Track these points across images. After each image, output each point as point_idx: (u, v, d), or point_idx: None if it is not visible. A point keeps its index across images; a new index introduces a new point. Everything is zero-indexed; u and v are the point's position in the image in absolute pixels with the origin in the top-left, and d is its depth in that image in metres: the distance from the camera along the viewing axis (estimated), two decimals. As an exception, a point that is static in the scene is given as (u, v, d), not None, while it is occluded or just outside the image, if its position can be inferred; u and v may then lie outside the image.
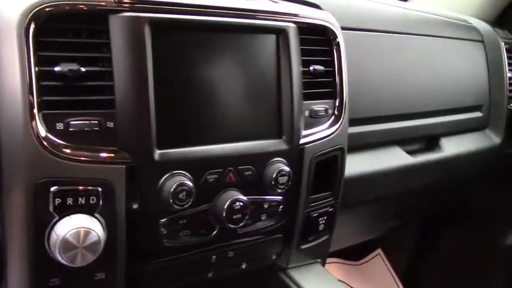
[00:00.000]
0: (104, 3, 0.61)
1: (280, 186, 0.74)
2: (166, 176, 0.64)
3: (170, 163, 0.64)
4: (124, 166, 0.62)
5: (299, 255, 0.86)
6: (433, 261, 1.65)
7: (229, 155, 0.69)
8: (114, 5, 0.61)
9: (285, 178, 0.74)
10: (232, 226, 0.70)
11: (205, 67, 0.68)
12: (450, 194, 1.41)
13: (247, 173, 0.71)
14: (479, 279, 1.53)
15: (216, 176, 0.68)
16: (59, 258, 0.58)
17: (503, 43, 1.32)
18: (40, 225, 0.58)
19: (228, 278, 0.78)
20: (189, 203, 0.65)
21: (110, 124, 0.61)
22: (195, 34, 0.67)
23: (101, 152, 0.60)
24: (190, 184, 0.65)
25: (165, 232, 0.66)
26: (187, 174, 0.66)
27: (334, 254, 1.71)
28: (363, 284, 1.75)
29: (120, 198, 0.62)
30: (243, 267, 0.78)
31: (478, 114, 1.29)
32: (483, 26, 1.33)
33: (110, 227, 0.62)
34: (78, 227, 0.58)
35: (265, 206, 0.75)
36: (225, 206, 0.68)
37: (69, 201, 0.59)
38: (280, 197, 0.76)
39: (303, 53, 0.78)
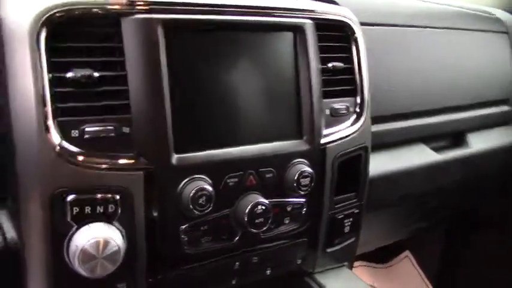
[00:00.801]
0: (115, 6, 0.59)
1: (302, 188, 0.71)
2: (185, 181, 0.62)
3: (188, 167, 0.62)
4: (142, 172, 0.60)
5: (325, 259, 0.83)
6: (464, 265, 1.60)
7: (249, 158, 0.67)
8: (125, 7, 0.60)
9: (308, 180, 0.71)
10: (255, 231, 0.67)
11: (221, 67, 0.66)
12: (479, 193, 1.36)
13: (268, 175, 0.69)
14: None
15: (236, 179, 0.66)
16: (79, 269, 0.56)
17: (529, 34, 1.28)
18: (58, 236, 0.57)
19: (252, 285, 0.75)
20: (210, 208, 0.63)
21: (126, 129, 0.59)
22: (209, 34, 0.65)
23: (118, 159, 0.59)
24: (210, 188, 0.63)
25: (186, 239, 0.64)
26: (207, 178, 0.64)
27: (360, 257, 1.67)
28: (392, 287, 1.71)
29: (138, 205, 0.60)
30: (268, 273, 0.75)
31: (504, 108, 1.25)
32: (507, 17, 1.28)
33: (129, 235, 0.60)
34: (97, 237, 0.56)
35: (288, 209, 0.72)
36: (247, 210, 0.66)
37: (87, 210, 0.57)
38: (303, 199, 0.73)
39: (321, 49, 0.76)
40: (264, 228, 0.68)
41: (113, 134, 0.58)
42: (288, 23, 0.72)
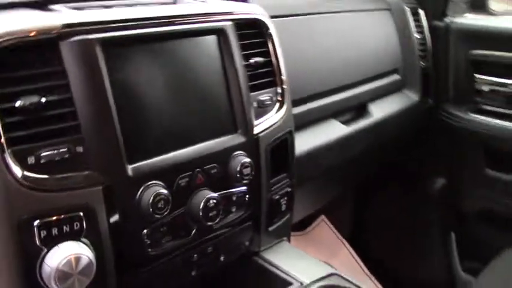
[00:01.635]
0: (51, 31, 0.61)
1: (245, 178, 0.78)
2: (142, 188, 0.66)
3: (144, 175, 0.66)
4: (100, 187, 0.63)
5: (268, 237, 0.91)
6: (374, 219, 1.78)
7: (195, 157, 0.72)
8: (61, 31, 0.61)
9: (248, 169, 0.78)
10: (210, 223, 0.73)
11: (158, 76, 0.70)
12: (383, 155, 1.52)
13: (213, 171, 0.75)
14: (416, 227, 1.67)
15: (187, 179, 0.71)
16: None
17: (408, 8, 1.43)
18: (30, 260, 0.58)
19: (209, 273, 0.81)
20: (168, 210, 0.68)
21: (79, 149, 0.62)
22: (144, 46, 0.69)
23: (76, 178, 0.61)
24: (166, 192, 0.67)
25: (148, 242, 0.69)
26: (161, 182, 0.68)
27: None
28: (315, 250, 1.84)
29: (102, 218, 0.63)
30: (222, 260, 0.82)
31: (396, 77, 1.40)
32: (387, -6, 1.43)
33: (97, 247, 0.63)
34: (68, 255, 0.59)
35: (234, 198, 0.79)
36: (201, 206, 0.71)
37: (54, 231, 0.60)
38: (245, 188, 0.80)
39: (243, 47, 0.82)
40: (217, 220, 0.74)
41: (67, 155, 0.61)
42: (211, 27, 0.77)
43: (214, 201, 0.72)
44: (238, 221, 0.82)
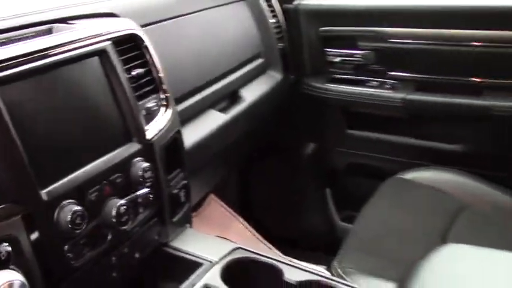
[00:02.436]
0: None
1: (147, 180, 0.87)
2: (58, 209, 0.72)
3: (57, 197, 0.72)
4: (19, 216, 0.68)
5: (173, 228, 1.01)
6: (258, 189, 1.95)
7: (100, 171, 0.79)
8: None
9: (149, 172, 0.87)
10: (124, 227, 0.81)
11: (52, 103, 0.75)
12: (260, 132, 1.67)
13: (118, 180, 0.82)
14: (296, 189, 1.87)
15: (96, 192, 0.78)
16: None
17: (260, -4, 1.57)
18: None
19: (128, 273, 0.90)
20: (85, 224, 0.75)
21: None
22: (32, 79, 0.73)
23: (-5, 212, 0.66)
24: (80, 208, 0.74)
25: (71, 255, 0.75)
26: (73, 200, 0.74)
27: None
28: (209, 228, 1.96)
29: (25, 244, 0.69)
30: (137, 257, 0.90)
31: (259, 61, 1.53)
32: (240, -14, 1.55)
33: (25, 271, 0.68)
34: (1, 284, 0.64)
35: (140, 200, 0.87)
36: (113, 214, 0.79)
37: (-16, 264, 0.64)
38: (148, 189, 0.89)
39: (124, 62, 0.89)
40: (130, 223, 0.82)
41: (-18, 195, 0.65)
42: (92, 50, 0.83)
43: (125, 207, 0.80)
44: (146, 219, 0.91)
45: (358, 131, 1.71)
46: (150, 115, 0.94)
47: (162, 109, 0.97)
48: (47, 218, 0.71)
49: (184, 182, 1.02)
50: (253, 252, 0.97)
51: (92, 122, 0.81)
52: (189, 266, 0.94)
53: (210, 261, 0.94)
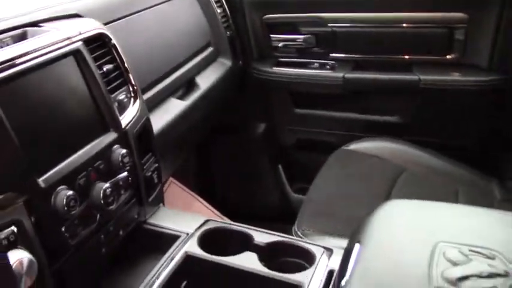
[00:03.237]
0: None
1: (126, 165, 0.97)
2: (54, 194, 0.82)
3: (53, 184, 0.81)
4: (21, 203, 0.77)
5: (150, 207, 1.11)
6: (216, 169, 2.07)
7: (85, 159, 0.89)
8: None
9: (127, 158, 0.97)
10: (110, 207, 0.91)
11: (40, 100, 0.84)
12: (215, 116, 1.78)
13: (101, 166, 0.92)
14: (250, 167, 2.01)
15: (84, 178, 0.88)
16: None
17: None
18: None
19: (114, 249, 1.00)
20: (78, 206, 0.84)
21: None
22: (18, 81, 0.81)
23: (1, 201, 0.74)
24: (72, 192, 0.83)
25: (67, 235, 0.85)
26: (65, 186, 0.84)
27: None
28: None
29: (29, 227, 0.78)
30: (121, 234, 1.01)
31: (210, 49, 1.64)
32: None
33: (31, 250, 0.78)
34: (13, 262, 0.73)
35: (121, 183, 0.97)
36: (101, 196, 0.89)
37: (-3, 246, 0.73)
38: (127, 173, 0.99)
39: (95, 59, 0.98)
40: (115, 204, 0.92)
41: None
42: (67, 51, 0.91)
43: (110, 189, 0.90)
44: (127, 200, 1.01)
45: (304, 109, 1.86)
46: (122, 106, 1.04)
47: (132, 100, 1.07)
48: (45, 203, 0.80)
49: (156, 165, 1.13)
50: (223, 222, 1.09)
51: (74, 115, 0.90)
52: (168, 239, 1.06)
53: (187, 233, 1.06)
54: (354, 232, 0.90)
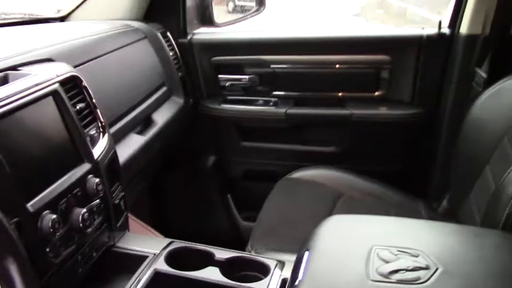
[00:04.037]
0: None
1: (100, 193, 1.08)
2: (40, 218, 0.92)
3: (39, 208, 0.91)
4: (13, 225, 0.87)
5: (118, 231, 1.22)
6: (169, 201, 2.17)
7: (65, 187, 0.99)
8: None
9: (100, 186, 1.08)
10: (87, 230, 1.02)
11: (26, 135, 0.94)
12: (170, 149, 1.91)
13: (79, 193, 1.03)
14: (202, 197, 2.13)
15: (64, 204, 0.98)
16: None
17: (159, 33, 1.82)
18: None
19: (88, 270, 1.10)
20: (60, 229, 0.95)
21: None
22: (10, 118, 0.92)
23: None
24: (55, 216, 0.94)
25: (51, 254, 0.94)
26: (49, 210, 0.94)
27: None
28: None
29: (20, 246, 0.87)
30: (94, 256, 1.11)
31: (164, 89, 1.78)
32: (140, 25, 1.78)
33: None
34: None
35: (95, 209, 1.08)
36: (80, 219, 0.99)
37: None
38: (99, 200, 1.10)
39: (69, 98, 1.10)
40: (91, 228, 1.03)
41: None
42: (47, 92, 1.02)
43: (87, 213, 1.01)
44: (99, 225, 1.11)
45: (250, 142, 2.03)
46: (93, 140, 1.15)
47: (101, 135, 1.19)
48: (33, 225, 0.90)
49: (122, 193, 1.24)
50: (186, 242, 1.21)
51: (54, 148, 1.01)
52: (137, 260, 1.16)
53: (154, 254, 1.17)
54: (303, 243, 1.05)
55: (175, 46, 1.89)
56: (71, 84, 1.13)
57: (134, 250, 1.20)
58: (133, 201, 1.95)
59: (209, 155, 2.09)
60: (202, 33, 1.98)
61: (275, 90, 1.95)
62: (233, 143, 2.04)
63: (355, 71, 1.87)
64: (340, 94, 1.90)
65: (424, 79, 1.81)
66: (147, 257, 1.16)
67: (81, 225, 1.00)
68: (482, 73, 1.62)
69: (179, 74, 1.87)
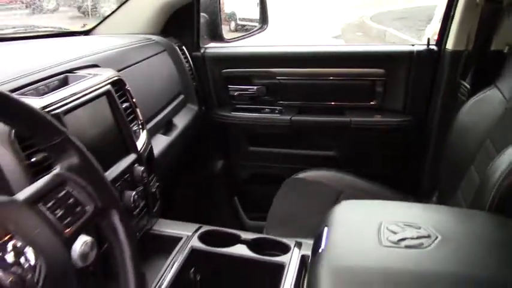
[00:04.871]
0: None
1: (144, 179, 1.25)
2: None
3: None
4: None
5: (154, 217, 1.38)
6: (180, 200, 2.33)
7: (119, 173, 1.16)
8: None
9: (145, 173, 1.25)
10: (136, 211, 1.18)
11: (86, 126, 1.11)
12: (186, 150, 2.07)
13: (128, 178, 1.19)
14: (210, 199, 2.29)
15: (119, 186, 1.14)
16: None
17: (176, 46, 2.00)
18: None
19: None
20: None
21: None
22: (75, 112, 1.09)
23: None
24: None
25: None
26: None
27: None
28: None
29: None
30: (137, 235, 1.27)
31: (181, 97, 1.96)
32: (160, 39, 1.96)
33: None
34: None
35: (140, 193, 1.24)
36: (131, 199, 1.15)
37: None
38: (142, 186, 1.26)
39: (119, 97, 1.27)
40: (138, 209, 1.20)
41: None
42: (102, 92, 1.19)
43: (136, 195, 1.18)
44: (143, 207, 1.28)
45: (257, 147, 2.21)
46: (136, 135, 1.32)
47: (141, 130, 1.36)
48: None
49: (158, 183, 1.41)
50: (213, 226, 1.38)
51: (107, 140, 1.18)
52: (173, 241, 1.33)
53: (187, 235, 1.33)
54: (320, 222, 1.23)
55: (190, 59, 2.07)
56: (117, 86, 1.31)
57: (169, 233, 1.36)
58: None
59: (218, 159, 2.26)
60: (214, 48, 2.17)
61: (280, 100, 2.15)
62: (241, 148, 2.22)
63: (353, 83, 2.07)
64: (339, 103, 2.10)
65: (415, 90, 2.02)
66: (181, 238, 1.33)
67: (132, 205, 1.16)
68: (466, 84, 1.83)
69: (194, 84, 2.05)
